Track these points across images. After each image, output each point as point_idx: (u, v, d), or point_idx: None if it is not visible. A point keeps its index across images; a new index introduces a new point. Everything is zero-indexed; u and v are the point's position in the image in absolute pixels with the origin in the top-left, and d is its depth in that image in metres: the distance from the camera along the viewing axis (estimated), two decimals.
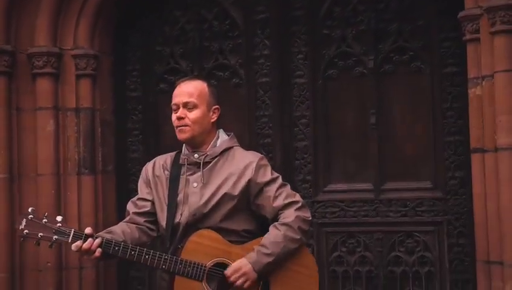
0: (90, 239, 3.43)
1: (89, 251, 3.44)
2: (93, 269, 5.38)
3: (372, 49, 5.20)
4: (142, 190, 3.72)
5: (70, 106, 5.41)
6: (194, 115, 3.57)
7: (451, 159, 5.04)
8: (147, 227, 3.67)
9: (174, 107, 3.63)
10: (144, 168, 3.77)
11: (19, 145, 5.31)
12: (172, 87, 4.94)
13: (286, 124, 5.38)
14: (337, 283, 5.25)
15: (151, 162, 3.77)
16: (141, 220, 3.66)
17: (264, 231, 3.60)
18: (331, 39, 5.31)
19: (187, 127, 3.58)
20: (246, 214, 3.61)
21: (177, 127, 3.60)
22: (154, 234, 3.69)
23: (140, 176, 3.76)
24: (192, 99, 3.58)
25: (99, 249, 3.43)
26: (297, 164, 5.35)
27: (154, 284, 5.55)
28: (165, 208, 3.60)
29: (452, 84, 5.04)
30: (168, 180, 3.64)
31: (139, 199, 3.72)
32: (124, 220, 3.74)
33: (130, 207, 3.74)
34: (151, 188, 3.68)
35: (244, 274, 3.46)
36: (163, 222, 3.60)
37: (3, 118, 5.22)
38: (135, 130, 5.75)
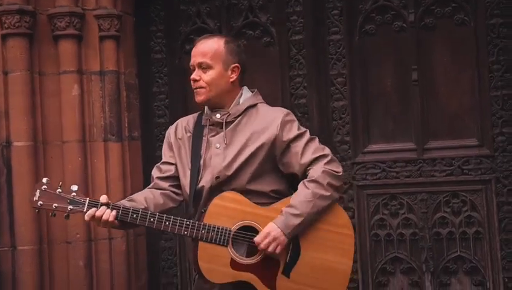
0: (103, 207, 3.26)
1: (102, 220, 3.27)
2: (123, 239, 5.16)
3: (411, 2, 4.98)
4: (166, 154, 3.56)
5: (95, 69, 5.13)
6: (208, 76, 3.39)
7: (499, 115, 4.87)
8: (172, 191, 3.49)
9: (191, 68, 3.46)
10: (167, 131, 3.61)
11: (43, 111, 5.04)
12: None
13: (322, 83, 5.17)
14: (380, 246, 5.08)
15: (174, 124, 3.61)
16: (165, 184, 3.49)
17: (294, 190, 3.40)
18: None
19: (202, 89, 3.41)
20: (274, 174, 3.41)
21: (194, 89, 3.44)
22: (181, 198, 3.51)
23: (164, 139, 3.60)
24: (206, 60, 3.39)
25: (111, 218, 3.25)
26: (335, 124, 5.14)
27: (185, 254, 5.38)
28: (188, 172, 3.42)
29: (498, 36, 4.85)
30: (190, 143, 3.46)
31: (163, 163, 3.56)
32: (148, 187, 3.57)
33: (154, 172, 3.57)
34: (174, 152, 3.51)
35: (274, 239, 3.25)
36: (186, 186, 3.42)
37: (26, 83, 4.94)
38: (161, 94, 5.51)
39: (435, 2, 4.95)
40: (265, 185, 3.37)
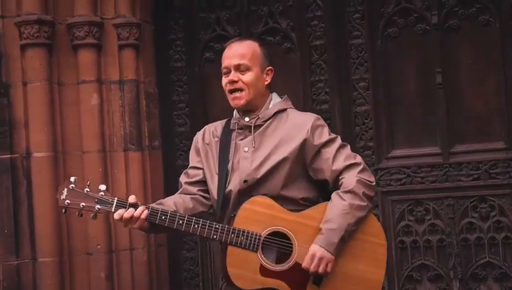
0: (131, 208, 3.15)
1: (132, 220, 3.15)
2: (144, 249, 5.10)
3: (434, 4, 4.90)
4: (193, 159, 3.45)
5: (114, 79, 5.10)
6: (248, 77, 3.27)
7: None
8: (202, 196, 3.38)
9: (224, 70, 3.33)
10: (194, 137, 3.50)
11: (62, 121, 5.01)
12: (219, 55, 4.69)
13: (344, 88, 5.09)
14: (406, 253, 4.97)
15: (202, 130, 3.49)
16: (194, 189, 3.39)
17: (324, 198, 3.29)
18: None
19: (242, 93, 3.28)
20: (304, 180, 3.30)
21: (230, 91, 3.30)
22: (210, 202, 3.40)
23: (192, 145, 3.49)
24: (245, 61, 3.28)
25: (143, 215, 3.13)
26: (358, 130, 5.06)
27: (208, 264, 5.32)
28: (216, 177, 3.33)
29: None
30: (218, 148, 3.36)
31: (190, 167, 3.45)
32: (178, 192, 3.46)
33: (182, 178, 3.47)
34: (201, 157, 3.41)
35: (321, 259, 3.13)
36: (214, 191, 3.32)
37: (45, 93, 4.92)
38: (181, 102, 5.45)
39: (458, 4, 4.86)
40: (297, 192, 3.27)
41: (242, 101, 3.30)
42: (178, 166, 5.41)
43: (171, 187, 5.35)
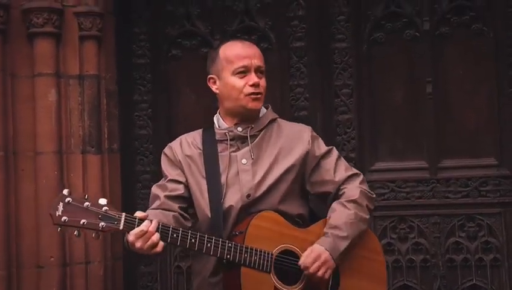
0: (146, 221, 2.80)
1: (145, 237, 2.79)
2: (100, 263, 4.63)
3: (425, 9, 4.66)
4: (171, 172, 3.15)
5: (74, 73, 4.60)
6: (264, 83, 3.15)
7: None
8: (181, 214, 3.10)
9: (242, 69, 3.08)
10: (167, 149, 3.20)
11: (14, 118, 4.49)
12: (187, 53, 4.37)
13: (325, 94, 4.79)
14: (387, 274, 4.60)
15: (176, 141, 3.22)
16: (175, 205, 3.09)
17: (311, 216, 3.17)
18: None
19: (262, 96, 3.13)
20: (300, 196, 3.17)
21: (251, 94, 3.07)
22: (189, 223, 3.12)
23: (164, 157, 3.19)
24: (263, 65, 3.15)
25: (157, 235, 2.80)
26: (339, 139, 4.77)
27: (167, 280, 4.94)
28: (206, 192, 3.06)
29: None
30: (202, 160, 3.10)
31: (169, 181, 3.13)
32: (153, 206, 3.11)
33: (157, 191, 3.13)
34: (182, 170, 3.12)
35: (324, 263, 2.95)
36: (205, 207, 3.05)
37: None
38: (143, 102, 5.02)
39: (450, 11, 4.64)
40: (293, 208, 3.11)
41: (260, 104, 3.14)
42: (137, 172, 5.00)
43: (129, 195, 4.92)
